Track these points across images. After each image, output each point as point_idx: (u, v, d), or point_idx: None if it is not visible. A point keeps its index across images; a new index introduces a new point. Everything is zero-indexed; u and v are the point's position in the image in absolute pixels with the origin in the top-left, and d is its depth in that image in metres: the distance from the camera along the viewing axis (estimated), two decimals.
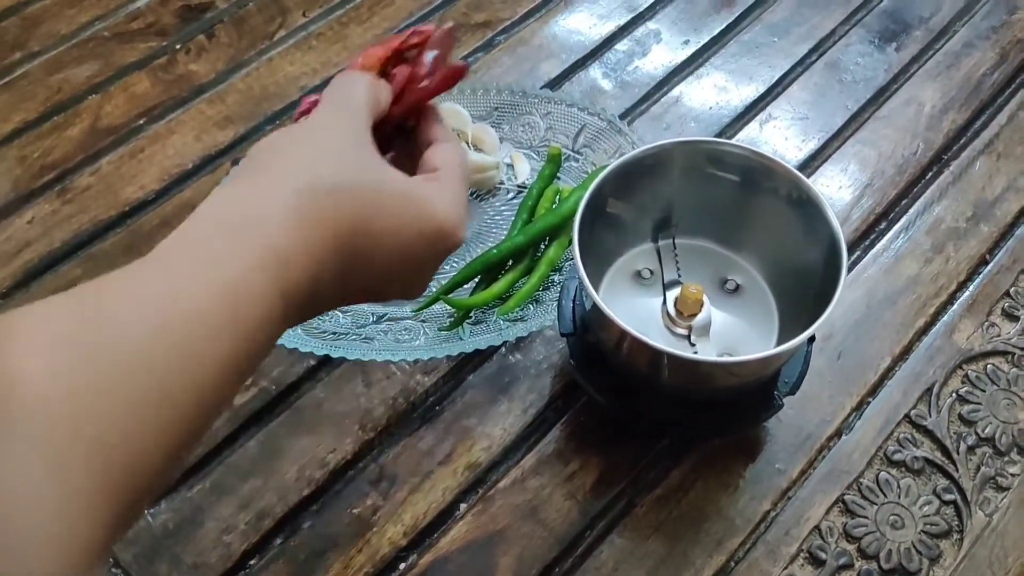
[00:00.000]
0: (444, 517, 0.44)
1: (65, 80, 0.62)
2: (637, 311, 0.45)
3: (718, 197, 0.45)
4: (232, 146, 0.59)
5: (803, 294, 0.43)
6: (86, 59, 0.64)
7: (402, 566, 0.43)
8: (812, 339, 0.44)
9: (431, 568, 0.43)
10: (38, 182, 0.57)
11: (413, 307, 0.49)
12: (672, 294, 0.44)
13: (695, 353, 0.42)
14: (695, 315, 0.43)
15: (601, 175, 0.42)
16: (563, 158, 0.54)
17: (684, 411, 0.44)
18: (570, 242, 0.46)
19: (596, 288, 0.45)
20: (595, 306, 0.38)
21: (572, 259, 0.40)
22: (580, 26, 0.65)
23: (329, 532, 0.44)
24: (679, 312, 0.43)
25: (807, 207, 0.42)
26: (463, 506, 0.45)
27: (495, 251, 0.49)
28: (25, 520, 0.21)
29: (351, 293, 0.31)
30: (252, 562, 0.43)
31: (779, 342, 0.43)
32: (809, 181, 0.42)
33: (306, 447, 0.46)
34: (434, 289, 0.50)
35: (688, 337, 0.43)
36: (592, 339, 0.43)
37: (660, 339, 0.43)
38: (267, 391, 0.48)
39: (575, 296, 0.45)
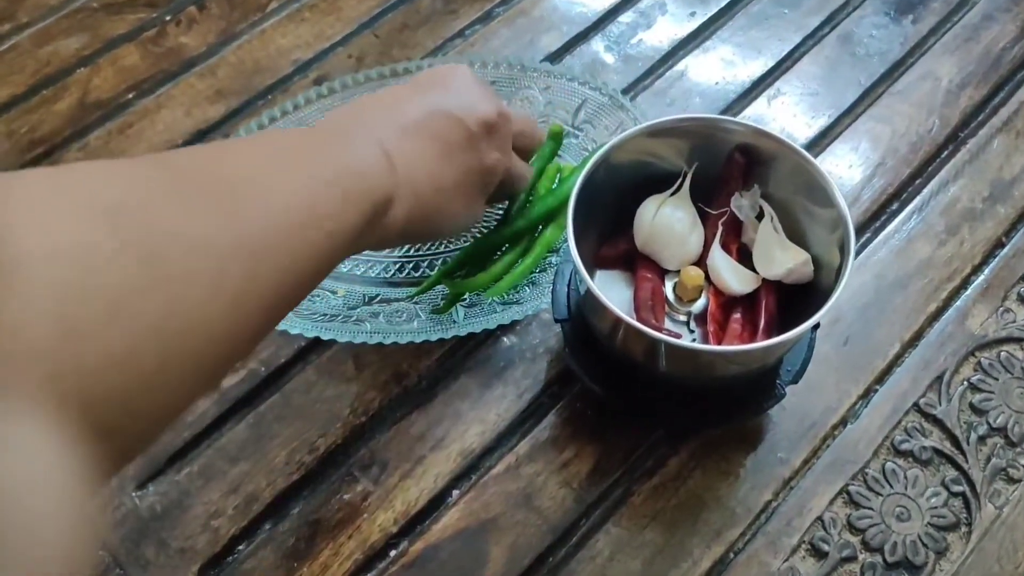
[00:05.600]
0: (436, 504, 0.43)
1: (54, 53, 0.61)
2: None
3: (722, 176, 0.43)
4: (223, 121, 0.57)
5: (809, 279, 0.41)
6: (75, 31, 0.62)
7: (392, 553, 0.42)
8: (817, 325, 0.42)
9: (422, 556, 0.42)
10: (26, 157, 0.56)
11: (412, 291, 0.48)
12: (671, 279, 0.43)
13: (694, 341, 0.40)
14: (695, 300, 0.42)
15: (599, 153, 0.40)
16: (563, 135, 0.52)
17: (682, 400, 0.42)
18: None
19: (592, 272, 0.44)
20: (589, 292, 0.36)
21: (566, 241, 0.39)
22: None
23: (318, 518, 0.43)
24: (678, 297, 0.42)
25: (814, 190, 0.40)
26: (455, 492, 0.44)
27: (494, 235, 0.47)
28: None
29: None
30: (240, 547, 0.42)
31: (783, 328, 0.42)
32: (817, 162, 0.40)
33: (296, 431, 0.45)
34: (431, 273, 0.49)
35: (688, 323, 0.42)
36: (587, 325, 0.41)
37: None
38: (256, 373, 0.47)
39: (570, 280, 0.43)
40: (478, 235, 0.48)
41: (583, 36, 0.60)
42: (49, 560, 0.20)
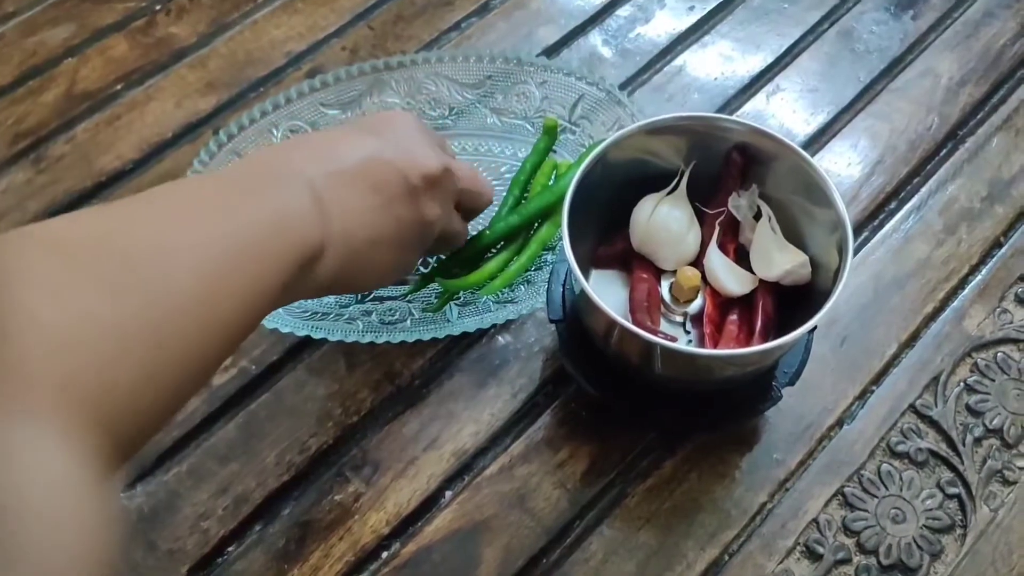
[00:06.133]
0: (429, 505, 0.43)
1: (41, 43, 0.60)
2: None
3: (719, 175, 0.42)
4: (214, 114, 0.56)
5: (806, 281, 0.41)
6: (62, 20, 0.61)
7: (384, 555, 0.42)
8: (814, 328, 0.42)
9: (414, 558, 0.42)
10: (12, 150, 0.55)
11: (405, 289, 0.47)
12: (667, 279, 0.42)
13: (690, 342, 0.40)
14: (691, 301, 0.41)
15: (596, 151, 0.39)
16: (559, 130, 0.52)
17: (678, 402, 0.42)
18: None
19: (587, 272, 0.43)
20: (583, 293, 0.35)
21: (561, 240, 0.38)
22: None
23: (309, 519, 0.42)
24: (674, 298, 0.41)
25: (813, 190, 0.39)
26: (448, 494, 0.43)
27: (488, 232, 0.47)
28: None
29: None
30: (230, 549, 0.42)
31: (780, 330, 0.41)
32: (816, 161, 0.39)
33: (286, 431, 0.45)
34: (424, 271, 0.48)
35: (684, 324, 0.41)
36: (582, 326, 0.41)
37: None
38: (247, 371, 0.46)
39: (565, 280, 0.43)
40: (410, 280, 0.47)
41: (581, 30, 0.60)
42: (69, 566, 0.20)
